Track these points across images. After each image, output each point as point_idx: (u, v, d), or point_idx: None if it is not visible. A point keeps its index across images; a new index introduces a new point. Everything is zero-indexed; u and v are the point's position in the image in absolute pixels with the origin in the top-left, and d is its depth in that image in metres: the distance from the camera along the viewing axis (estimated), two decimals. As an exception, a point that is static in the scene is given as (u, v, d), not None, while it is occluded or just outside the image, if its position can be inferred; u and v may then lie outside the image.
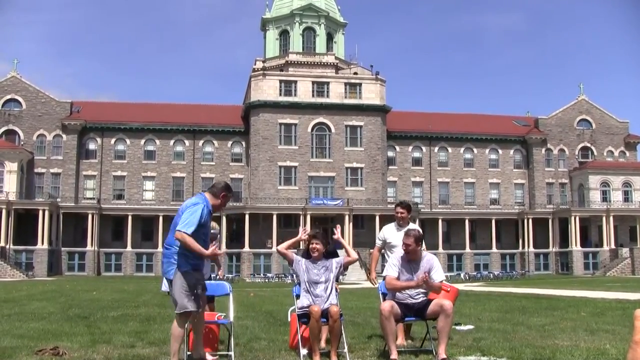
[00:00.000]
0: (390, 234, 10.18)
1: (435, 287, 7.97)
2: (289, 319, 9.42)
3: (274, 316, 14.90)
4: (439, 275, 8.14)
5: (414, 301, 8.02)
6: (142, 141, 67.87)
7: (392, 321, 7.69)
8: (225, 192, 7.49)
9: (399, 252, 9.86)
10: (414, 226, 9.95)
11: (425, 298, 8.08)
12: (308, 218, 60.90)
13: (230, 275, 54.49)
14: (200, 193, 7.56)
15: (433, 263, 8.22)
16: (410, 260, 8.18)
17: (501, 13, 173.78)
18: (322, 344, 9.47)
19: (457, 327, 11.35)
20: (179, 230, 7.02)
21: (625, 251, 65.60)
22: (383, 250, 10.32)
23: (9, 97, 66.30)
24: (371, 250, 10.79)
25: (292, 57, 72.09)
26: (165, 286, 9.32)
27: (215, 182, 7.76)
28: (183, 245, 7.06)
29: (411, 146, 71.52)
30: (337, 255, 9.19)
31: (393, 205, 54.75)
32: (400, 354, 7.76)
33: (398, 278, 8.12)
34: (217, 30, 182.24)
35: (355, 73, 71.01)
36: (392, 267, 8.21)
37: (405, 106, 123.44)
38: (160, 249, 56.16)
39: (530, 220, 68.53)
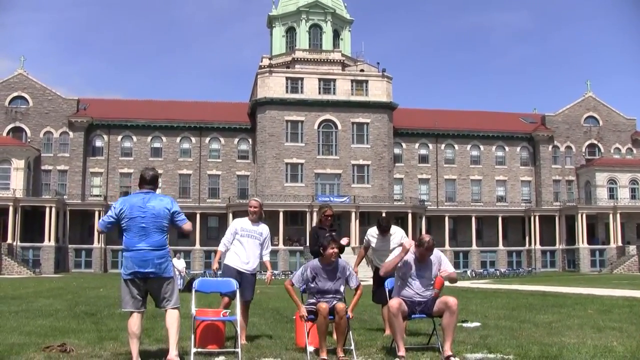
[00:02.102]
0: (373, 240, 10.74)
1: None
2: (295, 317, 9.42)
3: (281, 313, 14.92)
4: (449, 267, 8.33)
5: (421, 298, 8.02)
6: (149, 138, 67.98)
7: (400, 318, 7.68)
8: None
9: (381, 255, 10.45)
10: (397, 229, 10.67)
11: (432, 295, 8.07)
12: (314, 215, 60.85)
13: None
14: (151, 192, 7.48)
15: (440, 257, 8.29)
16: (421, 261, 8.20)
17: (508, 11, 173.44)
18: (335, 336, 9.53)
19: (464, 325, 11.35)
20: (189, 223, 7.60)
21: (632, 248, 65.49)
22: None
23: (15, 94, 66.47)
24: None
25: (299, 54, 72.09)
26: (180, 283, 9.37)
27: (147, 175, 7.54)
28: (189, 234, 7.59)
29: (418, 143, 71.45)
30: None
31: (400, 203, 54.68)
32: (407, 351, 7.76)
33: (405, 279, 8.14)
34: (223, 27, 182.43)
35: (362, 70, 70.92)
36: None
37: (412, 103, 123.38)
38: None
39: (537, 218, 68.43)
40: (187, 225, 7.49)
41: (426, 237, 8.08)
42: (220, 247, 9.81)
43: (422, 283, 8.09)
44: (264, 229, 9.94)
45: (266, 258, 9.92)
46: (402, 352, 7.55)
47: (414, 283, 8.09)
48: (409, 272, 8.13)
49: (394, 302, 7.75)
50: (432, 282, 8.15)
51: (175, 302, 7.30)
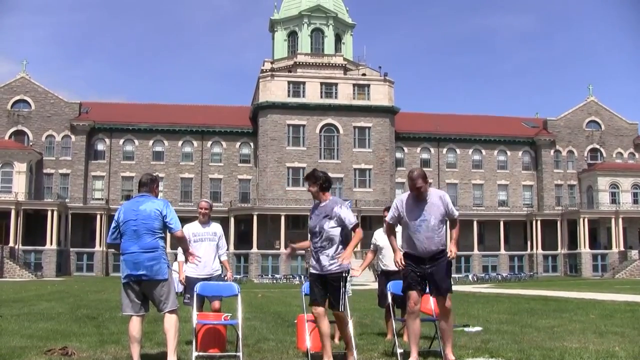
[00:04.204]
0: (379, 236, 10.62)
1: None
2: (296, 320, 9.42)
3: (282, 317, 14.90)
4: (455, 210, 7.72)
5: (427, 253, 7.52)
6: (151, 142, 68.00)
7: (418, 321, 7.59)
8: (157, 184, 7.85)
9: (387, 253, 10.16)
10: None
11: (446, 257, 7.52)
12: (316, 219, 60.84)
13: (238, 276, 54.52)
14: (145, 195, 7.55)
15: (447, 200, 7.63)
16: (419, 200, 7.59)
17: (511, 14, 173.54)
18: (336, 340, 9.47)
19: (466, 329, 11.34)
20: (181, 230, 7.54)
21: (634, 253, 65.36)
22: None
23: (18, 97, 66.53)
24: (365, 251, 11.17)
25: (301, 58, 72.15)
26: (179, 287, 9.37)
27: (144, 178, 7.69)
28: (182, 243, 7.81)
29: (419, 147, 71.44)
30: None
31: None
32: (408, 355, 7.74)
33: (410, 229, 7.59)
34: (226, 31, 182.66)
35: (364, 74, 70.98)
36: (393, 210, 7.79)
37: (414, 107, 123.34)
38: (169, 250, 56.20)
39: (539, 222, 68.35)
40: (179, 233, 7.50)
41: (414, 169, 7.55)
42: (181, 258, 9.66)
43: (426, 228, 7.50)
44: (216, 228, 9.80)
45: (224, 258, 9.78)
46: (414, 357, 7.43)
47: (418, 230, 7.54)
48: (411, 217, 7.58)
49: (411, 301, 7.55)
50: (439, 228, 7.54)
51: (172, 305, 7.35)
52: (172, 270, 7.87)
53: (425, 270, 7.54)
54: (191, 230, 9.64)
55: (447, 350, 7.47)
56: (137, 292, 7.38)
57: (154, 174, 7.92)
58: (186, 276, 9.50)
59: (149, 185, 7.62)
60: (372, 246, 10.84)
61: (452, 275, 7.85)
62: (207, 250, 9.59)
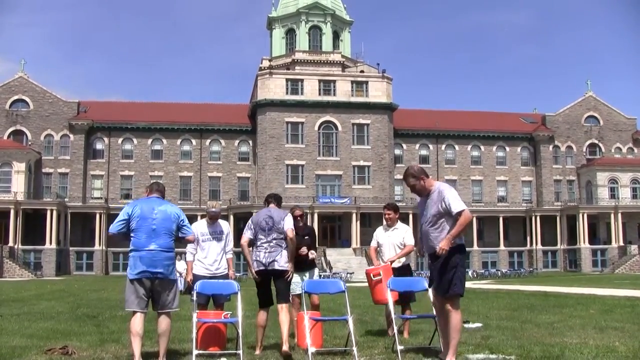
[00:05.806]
0: (380, 234, 10.76)
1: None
2: (296, 318, 9.42)
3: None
4: (455, 205, 7.29)
5: (430, 241, 7.49)
6: (149, 141, 67.96)
7: (443, 317, 7.57)
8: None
9: (387, 250, 10.38)
10: (403, 225, 10.68)
11: (438, 250, 7.29)
12: (315, 217, 60.93)
13: (238, 274, 54.42)
14: (156, 197, 7.83)
15: (444, 195, 7.39)
16: (424, 196, 7.65)
17: (509, 11, 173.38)
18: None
19: (466, 325, 11.33)
20: (193, 235, 8.06)
21: (633, 248, 65.35)
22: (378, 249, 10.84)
23: (16, 97, 66.46)
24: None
25: (299, 56, 72.11)
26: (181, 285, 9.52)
27: (156, 185, 8.00)
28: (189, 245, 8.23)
29: (418, 144, 71.42)
30: (313, 235, 10.38)
31: (401, 204, 54.38)
32: (408, 352, 7.74)
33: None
34: (224, 29, 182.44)
35: (362, 71, 70.90)
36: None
37: (412, 104, 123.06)
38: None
39: (538, 218, 68.34)
40: (191, 237, 7.97)
41: (407, 167, 7.68)
42: (189, 257, 9.64)
43: (425, 223, 7.55)
44: (223, 226, 9.81)
45: (228, 256, 9.77)
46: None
47: (421, 225, 7.67)
48: (419, 213, 7.96)
49: (432, 298, 7.91)
50: (436, 224, 7.40)
51: (176, 305, 7.61)
52: (176, 270, 8.01)
53: (431, 268, 7.67)
54: (199, 229, 9.63)
55: (448, 355, 7.26)
56: (146, 289, 7.48)
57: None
58: (195, 274, 9.48)
59: (162, 192, 7.90)
60: (374, 242, 10.87)
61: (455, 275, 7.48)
62: (215, 249, 9.60)
